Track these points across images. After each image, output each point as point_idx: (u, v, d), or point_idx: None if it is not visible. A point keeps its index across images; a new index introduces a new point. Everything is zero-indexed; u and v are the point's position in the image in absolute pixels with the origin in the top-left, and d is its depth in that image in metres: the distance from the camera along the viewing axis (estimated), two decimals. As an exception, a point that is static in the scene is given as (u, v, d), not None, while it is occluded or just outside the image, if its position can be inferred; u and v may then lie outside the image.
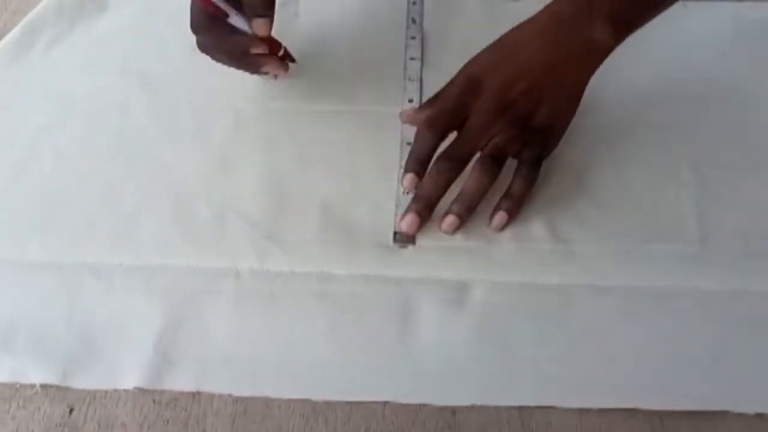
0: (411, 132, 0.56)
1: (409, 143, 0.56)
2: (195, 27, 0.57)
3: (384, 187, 0.56)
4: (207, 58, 0.59)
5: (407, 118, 0.59)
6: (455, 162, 0.53)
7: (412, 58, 0.65)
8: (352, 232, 0.54)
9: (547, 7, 0.54)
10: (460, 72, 0.56)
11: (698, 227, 0.53)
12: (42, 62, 0.66)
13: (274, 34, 0.57)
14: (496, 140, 0.53)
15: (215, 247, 0.53)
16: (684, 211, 0.54)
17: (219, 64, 0.59)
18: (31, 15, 0.69)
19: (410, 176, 0.54)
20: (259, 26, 0.55)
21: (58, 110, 0.62)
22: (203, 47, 0.58)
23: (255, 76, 0.62)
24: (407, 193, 0.55)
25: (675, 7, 0.65)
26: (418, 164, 0.54)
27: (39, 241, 0.54)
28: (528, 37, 0.54)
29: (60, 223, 0.55)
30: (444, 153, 0.54)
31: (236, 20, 0.56)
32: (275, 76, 0.62)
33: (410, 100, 0.62)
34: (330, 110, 0.62)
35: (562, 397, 0.47)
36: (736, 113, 0.60)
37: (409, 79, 0.63)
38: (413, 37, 0.66)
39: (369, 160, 0.58)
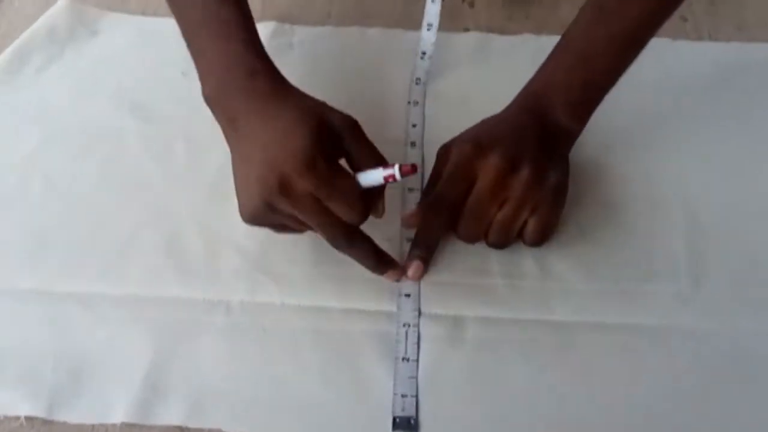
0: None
1: (409, 239, 0.54)
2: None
3: (380, 221, 0.56)
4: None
5: (410, 221, 0.54)
6: (453, 205, 0.52)
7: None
8: (345, 266, 0.53)
9: (514, 100, 0.56)
10: (451, 143, 0.54)
11: (690, 267, 0.54)
12: (32, 86, 0.65)
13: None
14: (507, 206, 0.51)
15: (206, 279, 0.53)
16: (677, 251, 0.55)
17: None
18: (22, 38, 0.69)
19: (417, 264, 0.52)
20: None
21: (49, 136, 0.62)
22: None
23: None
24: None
25: (664, 47, 0.67)
26: (425, 250, 0.53)
27: (28, 269, 0.54)
28: (506, 118, 0.55)
29: (49, 252, 0.54)
30: (440, 195, 0.52)
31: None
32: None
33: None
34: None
35: (557, 437, 0.47)
36: (726, 154, 0.60)
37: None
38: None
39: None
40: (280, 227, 0.51)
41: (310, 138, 0.46)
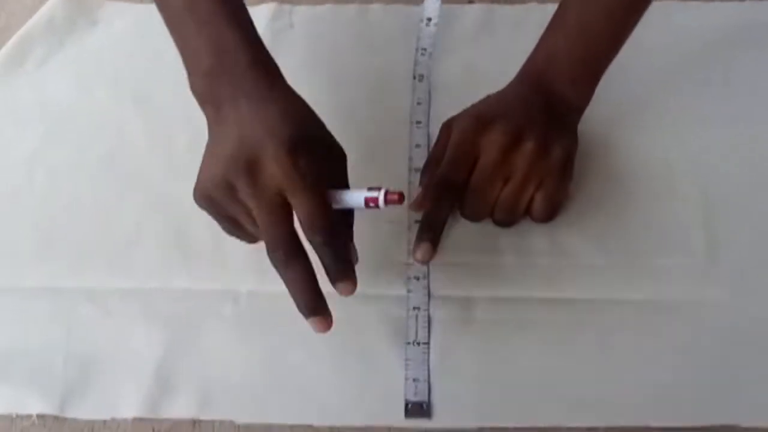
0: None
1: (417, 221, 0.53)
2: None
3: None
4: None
5: (419, 205, 0.51)
6: (458, 184, 0.51)
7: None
8: (353, 250, 0.53)
9: (517, 75, 0.54)
10: (453, 120, 0.53)
11: (705, 240, 0.52)
12: (33, 80, 0.65)
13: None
14: (512, 182, 0.50)
15: (214, 269, 0.53)
16: (690, 224, 0.53)
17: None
18: (21, 32, 0.67)
19: (426, 246, 0.50)
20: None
21: (51, 131, 0.61)
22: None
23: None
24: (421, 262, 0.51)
25: (672, 9, 0.64)
26: (432, 232, 0.51)
27: (35, 266, 0.53)
28: (509, 93, 0.53)
29: (55, 248, 0.54)
30: (444, 176, 0.51)
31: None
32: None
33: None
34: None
35: (569, 416, 0.46)
36: (739, 118, 0.58)
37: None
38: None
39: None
40: (226, 219, 0.47)
41: (303, 129, 0.43)
